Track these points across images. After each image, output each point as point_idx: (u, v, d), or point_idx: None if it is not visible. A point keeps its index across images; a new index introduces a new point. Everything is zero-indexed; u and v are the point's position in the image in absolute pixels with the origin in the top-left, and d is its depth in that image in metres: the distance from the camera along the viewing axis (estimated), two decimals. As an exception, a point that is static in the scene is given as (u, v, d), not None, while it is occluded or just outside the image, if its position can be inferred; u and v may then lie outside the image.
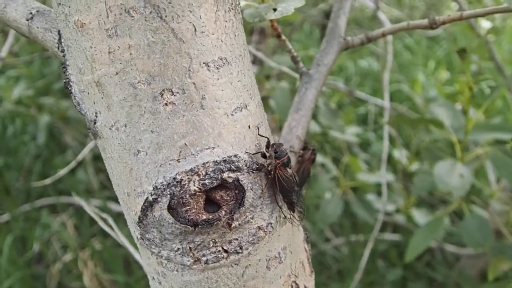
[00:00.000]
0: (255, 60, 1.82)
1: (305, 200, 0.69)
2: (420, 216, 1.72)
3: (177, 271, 0.55)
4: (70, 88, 0.54)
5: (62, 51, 0.55)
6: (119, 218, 2.23)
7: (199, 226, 0.51)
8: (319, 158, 1.89)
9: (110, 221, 1.07)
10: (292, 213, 0.59)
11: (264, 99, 1.63)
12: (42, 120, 2.50)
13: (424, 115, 2.05)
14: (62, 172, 1.41)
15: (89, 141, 2.59)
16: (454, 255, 2.05)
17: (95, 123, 0.53)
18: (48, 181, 1.44)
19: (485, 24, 2.38)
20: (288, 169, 0.57)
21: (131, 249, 1.03)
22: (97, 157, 2.75)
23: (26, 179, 2.68)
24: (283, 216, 0.58)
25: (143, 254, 0.58)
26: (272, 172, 0.55)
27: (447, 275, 2.00)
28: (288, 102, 1.56)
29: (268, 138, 0.57)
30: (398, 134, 2.07)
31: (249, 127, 0.54)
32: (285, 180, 0.56)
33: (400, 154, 2.04)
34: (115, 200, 2.41)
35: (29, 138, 2.81)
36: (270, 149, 0.56)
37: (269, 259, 0.57)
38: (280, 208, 0.57)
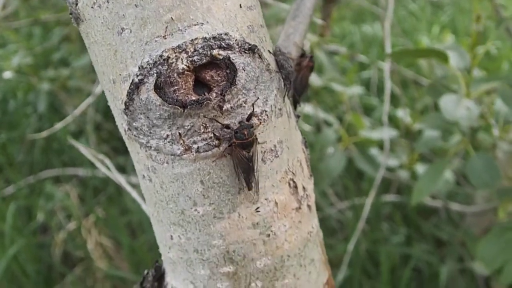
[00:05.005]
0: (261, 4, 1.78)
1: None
2: (424, 170, 1.69)
3: (167, 163, 0.52)
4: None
5: None
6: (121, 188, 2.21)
7: (188, 107, 0.48)
8: (322, 115, 1.85)
9: (107, 161, 1.05)
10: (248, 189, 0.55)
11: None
12: (42, 88, 2.48)
13: (430, 79, 2.00)
14: (59, 125, 1.39)
15: (90, 111, 2.58)
16: (459, 214, 2.02)
17: (76, 4, 0.50)
18: (44, 133, 1.42)
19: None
20: (245, 152, 0.52)
21: (128, 188, 1.01)
22: (99, 127, 2.74)
23: (28, 152, 2.68)
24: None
25: (132, 150, 0.55)
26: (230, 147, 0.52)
27: (452, 234, 1.97)
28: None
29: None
30: (402, 93, 2.03)
31: (241, 6, 0.51)
32: (240, 160, 0.52)
33: (404, 113, 2.00)
34: (119, 170, 2.40)
35: (31, 110, 2.79)
36: (236, 124, 0.52)
37: (264, 151, 0.54)
38: (239, 180, 0.54)
